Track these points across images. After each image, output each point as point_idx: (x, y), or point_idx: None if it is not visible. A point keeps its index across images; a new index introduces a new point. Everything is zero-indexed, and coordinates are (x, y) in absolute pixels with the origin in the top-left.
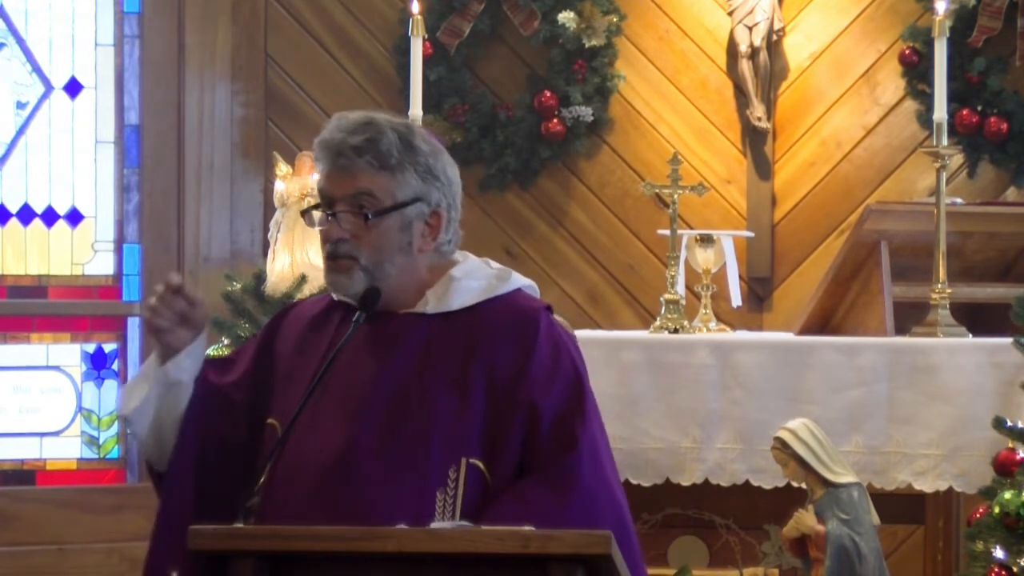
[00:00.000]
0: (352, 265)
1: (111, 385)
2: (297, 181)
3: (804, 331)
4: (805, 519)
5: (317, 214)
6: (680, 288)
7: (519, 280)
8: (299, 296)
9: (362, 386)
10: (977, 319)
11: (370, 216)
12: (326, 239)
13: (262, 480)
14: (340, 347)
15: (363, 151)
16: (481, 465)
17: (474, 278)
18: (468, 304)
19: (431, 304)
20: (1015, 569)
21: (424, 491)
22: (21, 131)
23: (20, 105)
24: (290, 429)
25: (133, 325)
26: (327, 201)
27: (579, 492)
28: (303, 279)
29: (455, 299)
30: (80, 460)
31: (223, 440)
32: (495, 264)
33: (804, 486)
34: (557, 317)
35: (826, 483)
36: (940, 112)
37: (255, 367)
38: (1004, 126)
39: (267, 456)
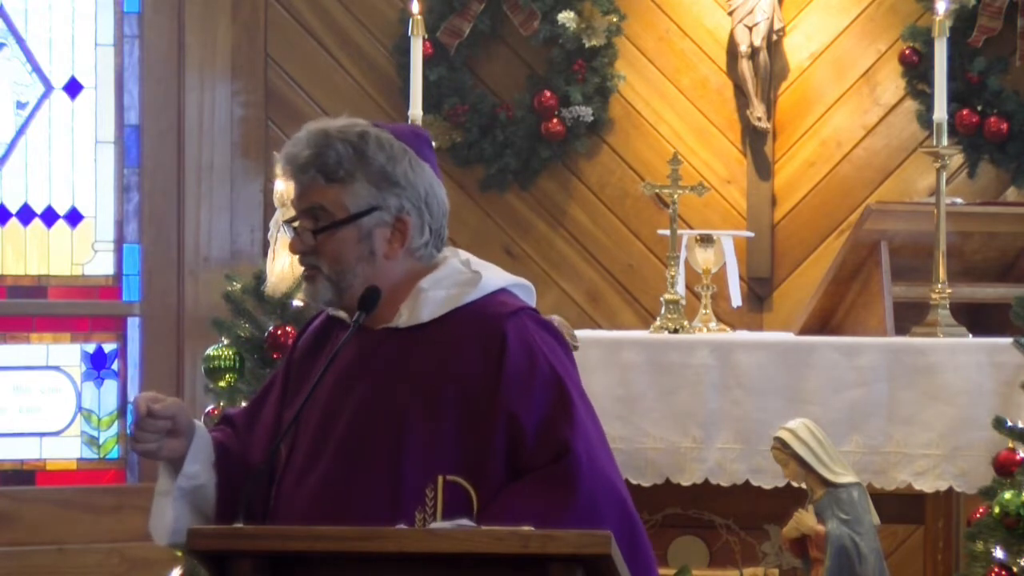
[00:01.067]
0: (316, 274)
1: (111, 385)
2: None
3: (804, 331)
4: (805, 519)
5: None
6: (680, 288)
7: (494, 282)
8: (299, 296)
9: (340, 407)
10: (977, 319)
11: (318, 231)
12: (290, 251)
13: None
14: (336, 352)
15: (308, 166)
16: (462, 482)
17: (441, 287)
18: (437, 315)
19: (404, 318)
20: (1015, 569)
21: (401, 511)
22: (21, 131)
23: (20, 105)
24: (275, 450)
25: (133, 325)
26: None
27: (580, 497)
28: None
29: (424, 311)
30: (80, 460)
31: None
32: (476, 263)
33: (804, 486)
34: (555, 317)
35: (826, 483)
36: (940, 112)
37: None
38: (1004, 126)
39: (272, 478)
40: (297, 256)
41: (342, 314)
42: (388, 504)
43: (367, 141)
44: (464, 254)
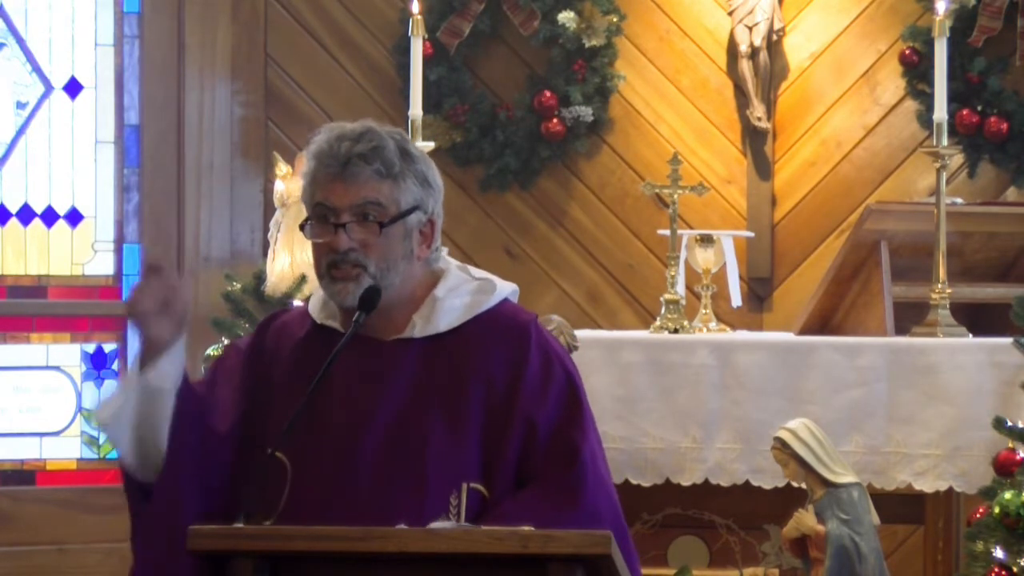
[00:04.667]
0: (360, 272)
1: (111, 385)
2: (297, 181)
3: (804, 331)
4: (805, 519)
5: (317, 226)
6: (680, 288)
7: (503, 289)
8: (299, 296)
9: (358, 421)
10: (977, 319)
11: (384, 224)
12: (331, 250)
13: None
14: (334, 355)
15: (371, 159)
16: (482, 488)
17: (458, 295)
18: (455, 324)
19: (418, 328)
20: (1015, 569)
21: (426, 520)
22: (21, 131)
23: (20, 105)
24: (270, 456)
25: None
26: (328, 212)
27: (584, 507)
28: (303, 279)
29: (442, 320)
30: (80, 460)
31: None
32: (476, 272)
33: (804, 486)
34: (555, 317)
35: (826, 483)
36: (940, 112)
37: (247, 405)
38: (1004, 126)
39: (276, 490)
40: (335, 255)
41: (332, 322)
42: (414, 513)
43: (407, 140)
44: (451, 258)
